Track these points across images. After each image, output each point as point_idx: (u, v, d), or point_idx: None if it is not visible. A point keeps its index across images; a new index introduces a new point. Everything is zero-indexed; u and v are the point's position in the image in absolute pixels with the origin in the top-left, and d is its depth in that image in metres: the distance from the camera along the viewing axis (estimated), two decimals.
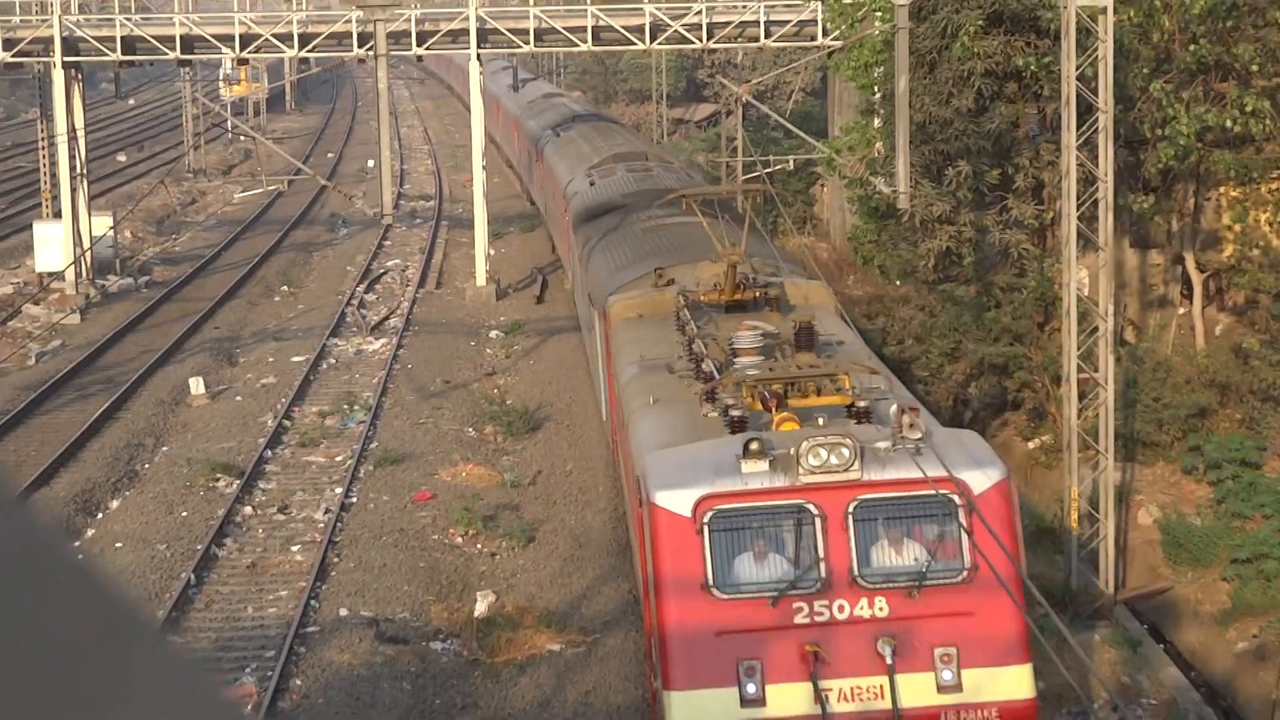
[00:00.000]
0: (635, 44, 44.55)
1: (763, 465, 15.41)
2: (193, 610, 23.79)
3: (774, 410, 16.95)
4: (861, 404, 16.81)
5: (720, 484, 15.52)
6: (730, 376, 18.05)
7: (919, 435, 15.60)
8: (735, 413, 16.87)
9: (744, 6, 44.52)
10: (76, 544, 26.33)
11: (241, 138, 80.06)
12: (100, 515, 27.89)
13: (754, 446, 15.40)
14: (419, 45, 44.92)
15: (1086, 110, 25.12)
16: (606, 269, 28.12)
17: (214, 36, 44.89)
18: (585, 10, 44.52)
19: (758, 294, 22.54)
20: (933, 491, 15.30)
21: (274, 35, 44.67)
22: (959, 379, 32.48)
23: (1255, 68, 28.52)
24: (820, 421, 16.38)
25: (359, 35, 43.76)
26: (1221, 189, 31.98)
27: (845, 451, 15.36)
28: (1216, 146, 29.95)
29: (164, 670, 0.98)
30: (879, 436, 15.80)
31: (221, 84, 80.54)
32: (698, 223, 25.04)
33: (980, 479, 15.62)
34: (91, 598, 0.98)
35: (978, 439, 17.11)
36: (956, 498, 15.40)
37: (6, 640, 0.89)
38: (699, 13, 43.82)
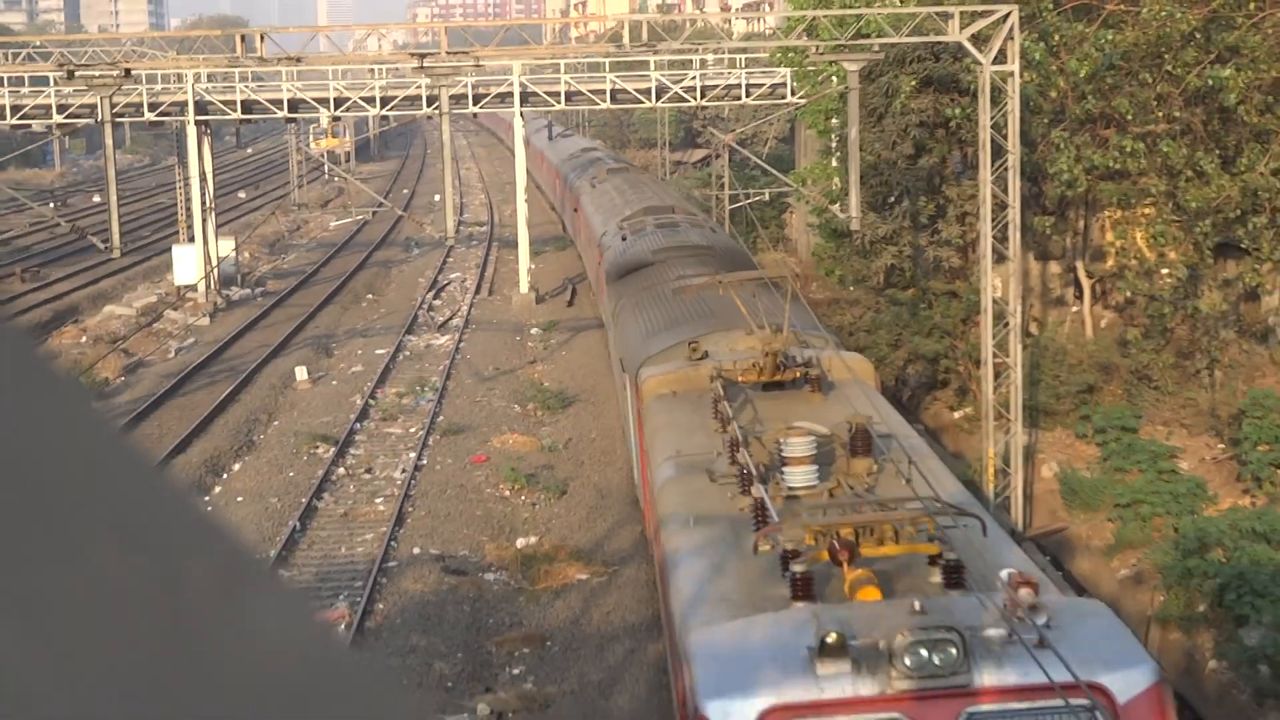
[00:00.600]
0: (644, 102, 44.63)
1: (844, 666, 9.38)
2: (298, 550, 23.76)
3: (846, 563, 10.77)
4: (951, 556, 10.72)
5: (791, 690, 9.42)
6: (781, 501, 12.54)
7: (1042, 619, 9.45)
8: (798, 568, 10.62)
9: (729, 72, 44.80)
10: (206, 499, 26.32)
11: (335, 178, 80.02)
12: (225, 476, 27.88)
13: (832, 640, 9.39)
14: (474, 105, 45.00)
15: (999, 152, 25.03)
16: (638, 333, 22.47)
17: (313, 99, 44.93)
18: (605, 77, 44.56)
19: (798, 374, 17.13)
20: (1064, 703, 9.11)
21: (361, 98, 44.70)
22: (899, 363, 32.40)
23: (1130, 117, 28.40)
24: (917, 606, 9.75)
25: (427, 97, 43.71)
26: (1106, 212, 31.85)
27: (953, 651, 9.25)
28: (1102, 179, 29.82)
29: (275, 601, 1.00)
30: (988, 619, 9.60)
31: (311, 140, 79.97)
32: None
33: (1127, 683, 9.39)
34: (217, 543, 0.99)
35: (1112, 619, 10.21)
36: (1098, 713, 9.17)
37: (154, 579, 0.90)
38: (694, 78, 44.03)
